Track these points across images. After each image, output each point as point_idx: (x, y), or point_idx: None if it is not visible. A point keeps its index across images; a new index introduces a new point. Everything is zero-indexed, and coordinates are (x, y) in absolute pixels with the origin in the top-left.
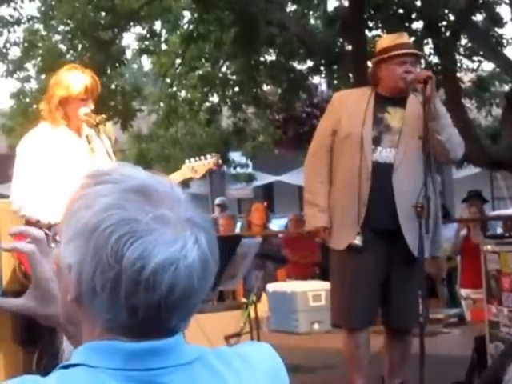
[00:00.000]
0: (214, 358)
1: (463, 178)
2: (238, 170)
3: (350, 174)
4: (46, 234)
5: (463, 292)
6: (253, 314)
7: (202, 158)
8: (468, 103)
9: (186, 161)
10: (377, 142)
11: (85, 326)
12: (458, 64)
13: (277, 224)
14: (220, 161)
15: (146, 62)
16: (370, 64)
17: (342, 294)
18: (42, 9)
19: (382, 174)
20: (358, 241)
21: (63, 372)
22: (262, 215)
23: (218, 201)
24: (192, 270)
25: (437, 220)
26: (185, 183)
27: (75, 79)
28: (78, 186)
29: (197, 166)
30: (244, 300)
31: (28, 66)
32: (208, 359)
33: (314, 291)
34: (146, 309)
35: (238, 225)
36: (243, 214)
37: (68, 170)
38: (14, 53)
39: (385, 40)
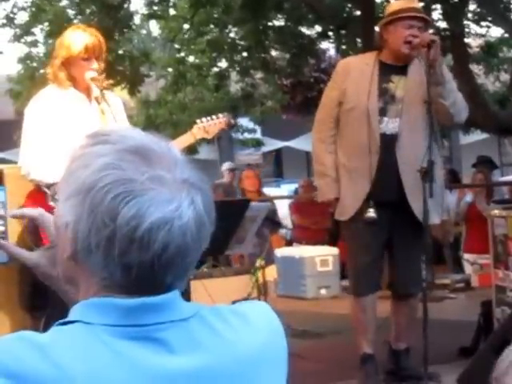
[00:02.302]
0: (210, 314)
1: (471, 144)
2: (246, 135)
3: (358, 148)
4: (45, 192)
5: (470, 257)
6: (261, 279)
7: (214, 117)
8: (476, 69)
9: (198, 121)
10: (383, 113)
11: (81, 285)
12: (466, 29)
13: (286, 189)
14: (232, 120)
15: (155, 27)
16: (377, 28)
17: (350, 263)
18: None
19: (389, 144)
20: (372, 213)
21: (59, 328)
22: (253, 181)
23: (227, 165)
24: (186, 230)
25: (441, 184)
26: (194, 146)
27: (76, 38)
28: (78, 146)
29: (208, 127)
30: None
31: (35, 30)
32: (204, 316)
33: (322, 256)
34: (140, 267)
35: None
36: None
37: (76, 131)
38: (22, 17)
39: (395, 4)
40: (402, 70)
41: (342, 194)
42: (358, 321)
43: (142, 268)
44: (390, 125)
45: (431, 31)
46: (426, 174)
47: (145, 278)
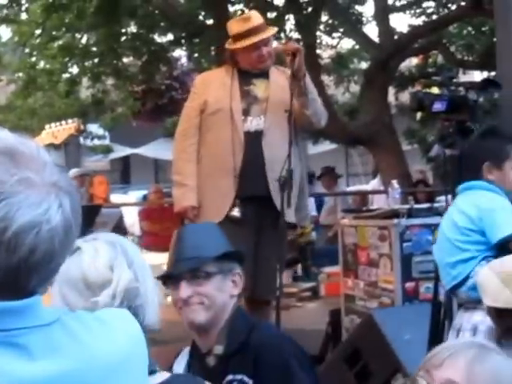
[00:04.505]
0: (72, 320)
1: (319, 154)
2: (95, 141)
3: (222, 148)
4: None
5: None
6: None
7: (63, 123)
8: (327, 79)
9: (46, 126)
10: (246, 113)
11: None
12: (318, 40)
13: (134, 196)
14: (81, 126)
15: (5, 31)
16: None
17: None
18: None
19: (254, 141)
20: (236, 212)
21: None
22: (106, 188)
23: (75, 171)
24: (54, 234)
25: (302, 189)
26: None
27: None
28: None
29: (57, 132)
30: None
31: None
32: (66, 321)
33: None
34: (6, 270)
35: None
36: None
37: None
38: None
39: (235, 25)
40: (262, 74)
41: (209, 197)
42: None
43: (8, 271)
44: (254, 122)
45: (283, 41)
46: (285, 184)
47: (8, 282)
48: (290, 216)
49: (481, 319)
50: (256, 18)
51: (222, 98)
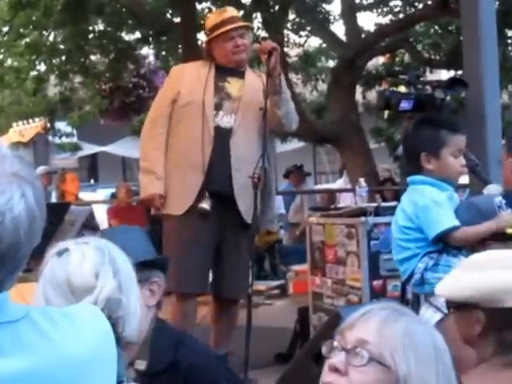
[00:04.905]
0: (39, 316)
1: (287, 152)
2: (64, 139)
3: (192, 140)
4: None
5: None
6: None
7: (31, 121)
8: (294, 78)
9: (14, 125)
10: (218, 108)
11: None
12: (285, 39)
13: (102, 194)
14: (48, 124)
15: None
16: (199, 37)
17: (179, 259)
18: None
19: (223, 138)
20: (205, 205)
21: None
22: (78, 184)
23: (43, 169)
24: (18, 224)
25: (271, 192)
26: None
27: None
28: None
29: (24, 130)
30: None
31: None
32: (34, 318)
33: None
34: None
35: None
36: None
37: None
38: None
39: (211, 18)
40: (238, 73)
41: (175, 188)
42: (177, 325)
43: None
44: (224, 119)
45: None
46: (259, 181)
47: None
48: (250, 217)
49: (421, 313)
50: (232, 10)
51: (195, 91)
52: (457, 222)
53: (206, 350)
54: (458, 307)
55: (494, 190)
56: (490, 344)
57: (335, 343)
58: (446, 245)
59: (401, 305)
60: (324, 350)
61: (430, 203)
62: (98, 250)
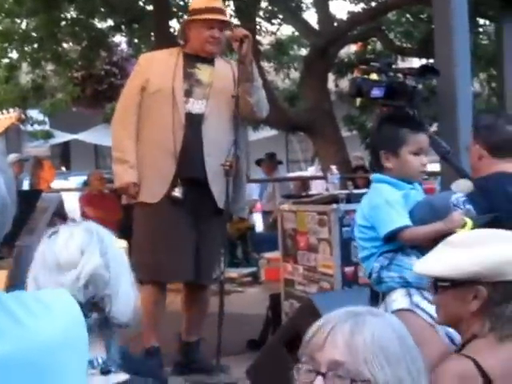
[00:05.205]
0: (12, 301)
1: (259, 140)
2: (36, 127)
3: (163, 127)
4: None
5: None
6: None
7: (5, 112)
8: (267, 66)
9: None
10: (188, 94)
11: None
12: (258, 27)
13: (74, 182)
14: (23, 115)
15: None
16: (172, 25)
17: (154, 248)
18: None
19: (194, 124)
20: (177, 193)
21: None
22: (54, 173)
23: (15, 156)
24: None
25: (242, 179)
26: None
27: None
28: None
29: None
30: None
31: None
32: (5, 302)
33: None
34: None
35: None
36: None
37: None
38: None
39: (199, 1)
40: (207, 60)
41: (148, 176)
42: (148, 313)
43: None
44: (195, 105)
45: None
46: (230, 169)
47: None
48: (235, 211)
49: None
50: (221, 2)
51: (164, 78)
52: (408, 222)
53: None
54: (455, 285)
55: (461, 185)
56: (487, 320)
57: (307, 367)
58: (402, 245)
59: (357, 307)
60: (296, 373)
61: (382, 203)
62: (87, 231)
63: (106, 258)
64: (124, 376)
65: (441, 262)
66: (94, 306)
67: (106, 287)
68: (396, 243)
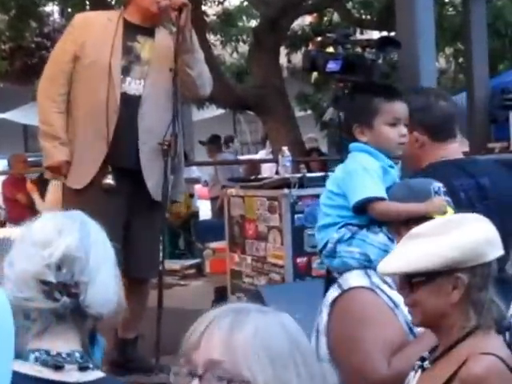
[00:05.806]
0: None
1: (205, 120)
2: None
3: (96, 106)
4: None
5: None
6: None
7: None
8: (213, 39)
9: None
10: (126, 72)
11: None
12: None
13: (1, 165)
14: None
15: None
16: None
17: None
18: None
19: (130, 107)
20: (110, 180)
21: None
22: None
23: None
24: None
25: (181, 161)
26: None
27: None
28: None
29: None
30: None
31: None
32: None
33: None
34: None
35: None
36: None
37: None
38: None
39: None
40: (148, 31)
41: (76, 159)
42: None
43: None
44: (132, 85)
45: None
46: (169, 148)
47: None
48: (158, 195)
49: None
50: None
51: (101, 49)
52: (383, 194)
53: None
54: (432, 278)
55: None
56: (470, 309)
57: (184, 369)
58: (371, 221)
59: (245, 304)
60: (171, 378)
61: (359, 168)
62: (70, 216)
63: (85, 242)
64: (100, 374)
65: (412, 255)
66: (65, 288)
67: (83, 273)
68: (365, 218)
